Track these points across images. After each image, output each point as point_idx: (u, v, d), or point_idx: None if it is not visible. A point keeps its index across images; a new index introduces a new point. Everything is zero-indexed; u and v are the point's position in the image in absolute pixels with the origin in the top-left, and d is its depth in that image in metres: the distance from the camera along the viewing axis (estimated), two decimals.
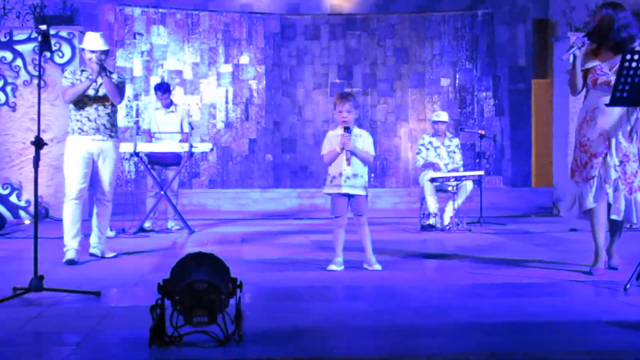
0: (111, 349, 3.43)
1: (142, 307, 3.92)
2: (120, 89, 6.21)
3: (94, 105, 6.13)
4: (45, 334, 3.68)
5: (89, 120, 6.11)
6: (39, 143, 4.49)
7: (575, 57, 5.26)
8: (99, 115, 6.15)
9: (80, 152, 6.05)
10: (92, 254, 6.34)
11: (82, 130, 6.08)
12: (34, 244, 4.65)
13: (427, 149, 9.10)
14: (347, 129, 5.52)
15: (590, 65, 5.34)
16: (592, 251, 5.44)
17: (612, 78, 5.12)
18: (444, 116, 9.26)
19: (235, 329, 3.34)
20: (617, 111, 5.16)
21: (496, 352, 3.25)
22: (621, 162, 5.23)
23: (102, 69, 6.03)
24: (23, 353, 3.36)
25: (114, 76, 6.23)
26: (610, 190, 5.23)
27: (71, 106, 6.14)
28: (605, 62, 5.31)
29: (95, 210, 6.36)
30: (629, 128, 5.22)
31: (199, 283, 3.22)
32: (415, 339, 3.54)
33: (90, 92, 6.11)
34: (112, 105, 6.24)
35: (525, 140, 13.42)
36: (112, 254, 6.40)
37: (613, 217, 5.29)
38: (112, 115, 6.28)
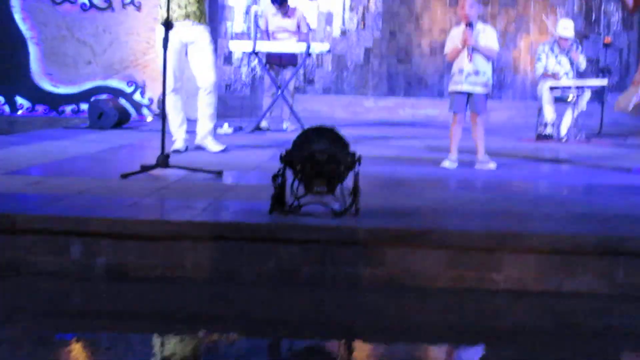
0: (235, 215, 3.63)
1: (261, 185, 4.10)
2: None
3: None
4: (173, 200, 3.92)
5: (179, 7, 6.02)
6: (168, 24, 4.67)
7: None
8: (189, 2, 6.07)
9: (172, 41, 5.93)
10: (198, 146, 6.37)
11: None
12: (162, 123, 4.90)
13: (548, 56, 8.78)
14: (470, 25, 5.46)
15: None
16: None
17: None
18: (570, 30, 8.79)
19: (352, 203, 3.46)
20: None
21: (608, 235, 3.25)
22: None
23: None
24: (152, 212, 3.61)
25: None
26: None
27: None
28: None
29: (199, 101, 6.33)
30: None
31: (319, 153, 3.34)
32: (530, 222, 3.57)
33: None
34: None
35: None
36: (220, 147, 6.35)
37: None
38: (201, 2, 6.21)
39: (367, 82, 13.32)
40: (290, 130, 8.92)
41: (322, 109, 12.65)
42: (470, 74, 5.52)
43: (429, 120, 12.08)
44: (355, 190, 3.45)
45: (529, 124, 10.48)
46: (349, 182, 3.50)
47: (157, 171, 4.73)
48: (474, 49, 5.46)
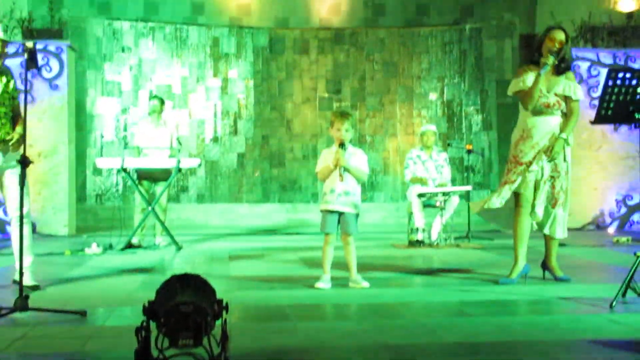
0: None
1: (128, 327, 3.90)
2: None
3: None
4: (30, 356, 3.66)
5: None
6: (25, 161, 4.47)
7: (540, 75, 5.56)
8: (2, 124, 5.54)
9: None
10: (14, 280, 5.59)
11: None
12: (20, 263, 4.62)
13: (415, 162, 9.10)
14: (342, 145, 5.54)
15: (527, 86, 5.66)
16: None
17: (550, 100, 5.58)
18: (431, 127, 9.30)
19: (221, 351, 3.33)
20: (551, 128, 5.59)
21: None
22: (551, 176, 5.64)
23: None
24: None
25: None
26: (533, 202, 5.63)
27: None
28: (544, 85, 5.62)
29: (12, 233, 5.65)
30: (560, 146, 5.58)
31: (184, 305, 3.19)
32: (404, 356, 3.54)
33: None
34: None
35: None
36: (34, 284, 5.56)
37: (535, 228, 5.74)
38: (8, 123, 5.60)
39: (241, 188, 13.30)
40: (162, 246, 8.71)
41: (197, 216, 12.52)
42: (341, 194, 5.58)
43: (303, 223, 12.16)
44: (223, 340, 3.32)
45: (401, 224, 10.71)
46: (217, 330, 3.36)
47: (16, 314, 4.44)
48: (345, 170, 5.53)
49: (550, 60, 5.48)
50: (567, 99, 5.59)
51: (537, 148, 5.59)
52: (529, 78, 5.61)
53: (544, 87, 5.57)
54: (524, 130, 5.68)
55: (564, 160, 5.65)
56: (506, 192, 5.68)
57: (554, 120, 5.60)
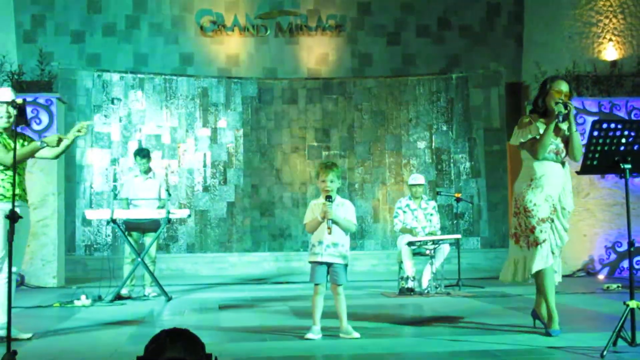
0: None
1: None
2: None
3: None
4: None
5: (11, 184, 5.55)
6: (13, 216, 4.47)
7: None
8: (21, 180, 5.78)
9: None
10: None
11: (4, 197, 5.62)
12: (8, 317, 4.60)
13: (405, 212, 9.15)
14: (329, 197, 5.58)
15: (536, 134, 5.59)
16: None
17: (560, 146, 5.55)
18: (420, 179, 9.35)
19: None
20: (560, 178, 5.53)
21: None
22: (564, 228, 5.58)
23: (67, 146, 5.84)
24: None
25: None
26: (552, 255, 5.52)
27: None
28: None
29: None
30: (570, 196, 5.58)
31: None
32: None
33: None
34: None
35: (502, 201, 13.54)
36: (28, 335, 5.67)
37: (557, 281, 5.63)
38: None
39: (231, 237, 13.29)
40: (152, 297, 8.67)
41: (186, 266, 12.49)
42: (330, 246, 5.61)
43: (293, 271, 12.14)
44: None
45: (392, 272, 10.70)
46: None
47: None
48: (333, 222, 5.55)
49: (563, 109, 5.45)
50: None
51: (551, 201, 5.50)
52: (538, 127, 5.60)
53: (552, 135, 5.57)
54: (531, 179, 5.58)
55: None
56: (546, 251, 5.50)
57: (561, 169, 5.60)
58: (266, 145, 13.62)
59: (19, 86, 10.50)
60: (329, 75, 13.84)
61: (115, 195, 9.07)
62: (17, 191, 5.52)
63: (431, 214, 9.21)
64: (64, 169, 11.03)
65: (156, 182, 9.04)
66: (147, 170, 9.03)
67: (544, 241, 5.47)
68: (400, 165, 13.65)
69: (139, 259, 8.43)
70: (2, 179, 5.65)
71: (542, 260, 5.47)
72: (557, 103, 5.48)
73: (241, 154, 13.47)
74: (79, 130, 5.83)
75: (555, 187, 5.53)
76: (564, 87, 5.60)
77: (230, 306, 7.85)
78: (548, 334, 5.47)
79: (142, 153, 9.08)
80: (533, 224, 5.49)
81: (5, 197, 5.61)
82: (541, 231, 5.47)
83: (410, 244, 8.76)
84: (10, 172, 5.60)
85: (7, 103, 5.53)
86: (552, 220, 5.50)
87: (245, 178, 13.47)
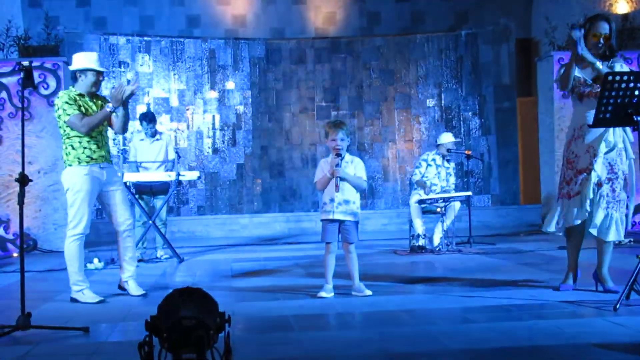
0: None
1: (131, 342, 3.89)
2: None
3: (101, 132, 5.89)
4: None
5: (98, 147, 5.83)
6: (23, 180, 4.46)
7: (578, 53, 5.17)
8: (105, 143, 5.98)
9: (93, 182, 5.72)
10: (120, 288, 6.06)
11: (92, 159, 5.77)
12: (21, 281, 4.61)
13: (429, 165, 9.04)
14: (339, 155, 5.54)
15: (579, 74, 5.34)
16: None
17: (597, 89, 5.15)
18: (449, 137, 9.26)
19: None
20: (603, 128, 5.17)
21: None
22: (609, 179, 5.25)
23: (128, 98, 5.79)
24: None
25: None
26: (588, 207, 5.26)
27: (71, 134, 5.80)
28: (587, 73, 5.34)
29: (122, 244, 5.95)
30: (616, 145, 5.25)
31: (186, 319, 3.18)
32: None
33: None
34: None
35: (513, 159, 13.48)
36: (141, 292, 5.99)
37: (592, 231, 5.30)
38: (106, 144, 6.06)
39: (242, 199, 13.30)
40: (164, 259, 8.71)
41: (197, 229, 12.51)
42: (341, 203, 5.58)
43: (304, 232, 12.15)
44: (226, 353, 3.30)
45: (403, 230, 10.70)
46: (220, 342, 3.35)
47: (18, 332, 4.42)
48: (342, 179, 5.52)
49: (577, 32, 5.12)
50: None
51: (592, 151, 5.22)
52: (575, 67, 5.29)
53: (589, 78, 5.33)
54: (575, 128, 5.36)
55: (625, 158, 5.32)
56: (575, 205, 5.29)
57: None
58: (274, 107, 13.56)
59: (26, 51, 10.44)
60: (337, 35, 13.72)
61: (125, 158, 9.04)
62: (102, 153, 5.85)
63: (449, 174, 9.18)
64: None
65: (163, 143, 9.01)
66: (154, 134, 9.00)
67: (577, 193, 5.28)
68: (409, 123, 13.58)
69: (150, 222, 8.44)
70: (89, 141, 5.77)
71: (574, 214, 5.28)
72: (572, 27, 5.17)
73: (250, 115, 13.42)
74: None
75: (598, 140, 5.21)
76: (602, 28, 5.28)
77: (242, 267, 7.86)
78: (556, 289, 5.45)
79: (148, 117, 9.03)
80: (571, 176, 5.35)
81: (92, 159, 5.77)
82: (576, 183, 5.28)
83: (421, 202, 8.74)
84: (97, 135, 5.84)
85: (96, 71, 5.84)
86: (590, 172, 5.23)
87: (255, 139, 13.44)
